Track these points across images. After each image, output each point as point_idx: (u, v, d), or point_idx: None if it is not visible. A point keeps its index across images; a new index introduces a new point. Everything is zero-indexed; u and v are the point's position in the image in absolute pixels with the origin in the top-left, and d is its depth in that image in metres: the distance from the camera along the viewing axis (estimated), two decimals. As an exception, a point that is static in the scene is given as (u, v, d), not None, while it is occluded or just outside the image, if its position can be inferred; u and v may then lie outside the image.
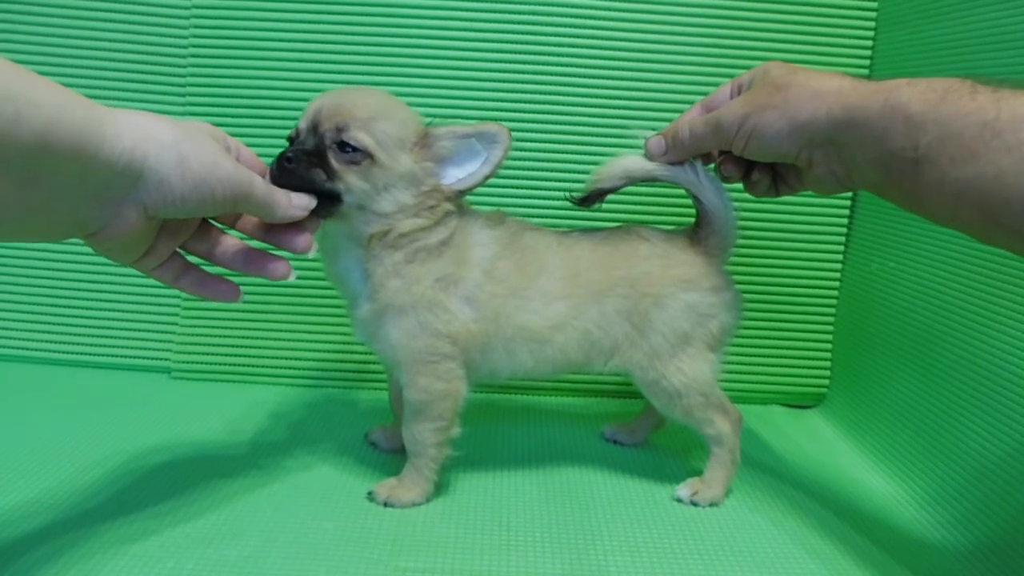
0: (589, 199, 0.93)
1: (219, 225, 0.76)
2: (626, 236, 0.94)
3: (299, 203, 0.75)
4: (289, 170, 0.77)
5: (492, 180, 0.86)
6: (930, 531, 0.91)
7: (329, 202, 0.79)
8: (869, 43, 1.24)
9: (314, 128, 0.81)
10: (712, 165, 0.90)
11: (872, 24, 1.23)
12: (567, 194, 0.94)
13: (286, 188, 0.75)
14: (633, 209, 1.20)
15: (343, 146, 0.80)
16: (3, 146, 0.51)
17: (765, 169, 0.86)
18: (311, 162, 0.78)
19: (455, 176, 0.85)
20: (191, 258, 0.75)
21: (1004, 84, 0.61)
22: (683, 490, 0.94)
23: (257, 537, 0.79)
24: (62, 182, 0.56)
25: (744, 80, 0.83)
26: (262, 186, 0.70)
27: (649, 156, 0.90)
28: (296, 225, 0.76)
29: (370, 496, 0.89)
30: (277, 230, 0.76)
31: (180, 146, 0.61)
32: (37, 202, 0.56)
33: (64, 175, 0.56)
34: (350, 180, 0.80)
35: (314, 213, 0.77)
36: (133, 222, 0.62)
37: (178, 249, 0.73)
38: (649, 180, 0.91)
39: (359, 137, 0.80)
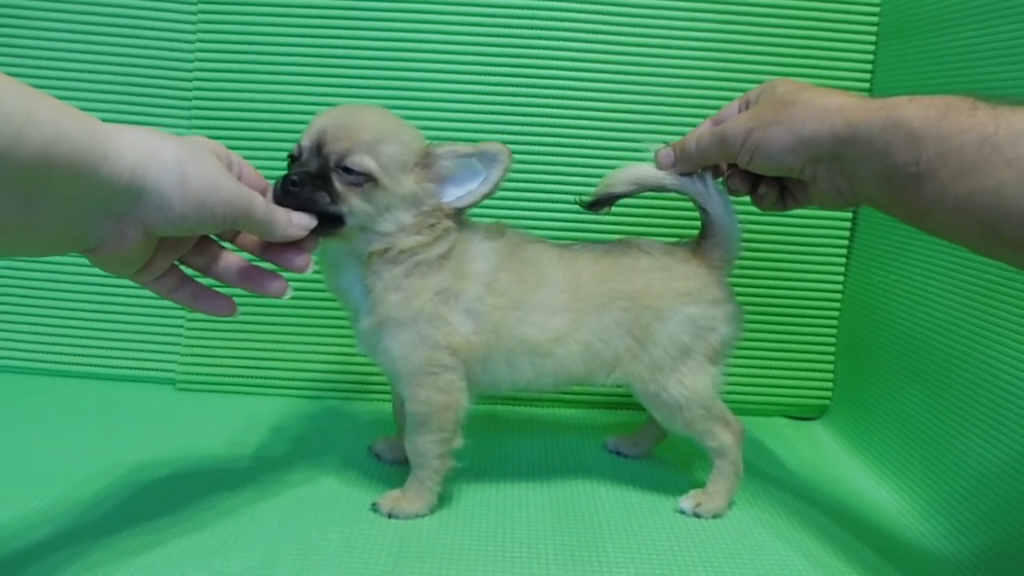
0: (598, 204, 0.94)
1: (218, 240, 0.77)
2: (627, 249, 0.95)
3: (299, 223, 0.75)
4: (294, 193, 0.77)
5: (499, 193, 0.87)
6: (932, 541, 0.91)
7: (331, 223, 0.80)
8: (870, 56, 1.24)
9: (318, 149, 0.81)
10: (721, 179, 0.91)
11: (873, 38, 1.24)
12: (576, 198, 0.95)
13: (289, 208, 0.75)
14: (639, 221, 1.21)
15: (348, 170, 0.80)
16: (4, 164, 0.51)
17: (772, 183, 0.86)
18: (316, 185, 0.79)
19: (454, 194, 0.86)
20: (189, 271, 0.75)
21: (1004, 101, 0.62)
22: (686, 502, 0.94)
23: (262, 548, 0.79)
24: (62, 199, 0.57)
25: (752, 96, 0.85)
26: (262, 206, 0.70)
27: (658, 167, 0.91)
28: (295, 244, 0.76)
29: (374, 507, 0.89)
30: (276, 248, 0.76)
31: (182, 165, 0.62)
32: (37, 218, 0.57)
33: (65, 192, 0.56)
34: (353, 203, 0.80)
35: (314, 232, 0.77)
36: (132, 238, 0.62)
37: (176, 262, 0.73)
38: (658, 189, 0.92)
39: (364, 161, 0.80)
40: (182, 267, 0.74)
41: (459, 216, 0.88)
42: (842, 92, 0.76)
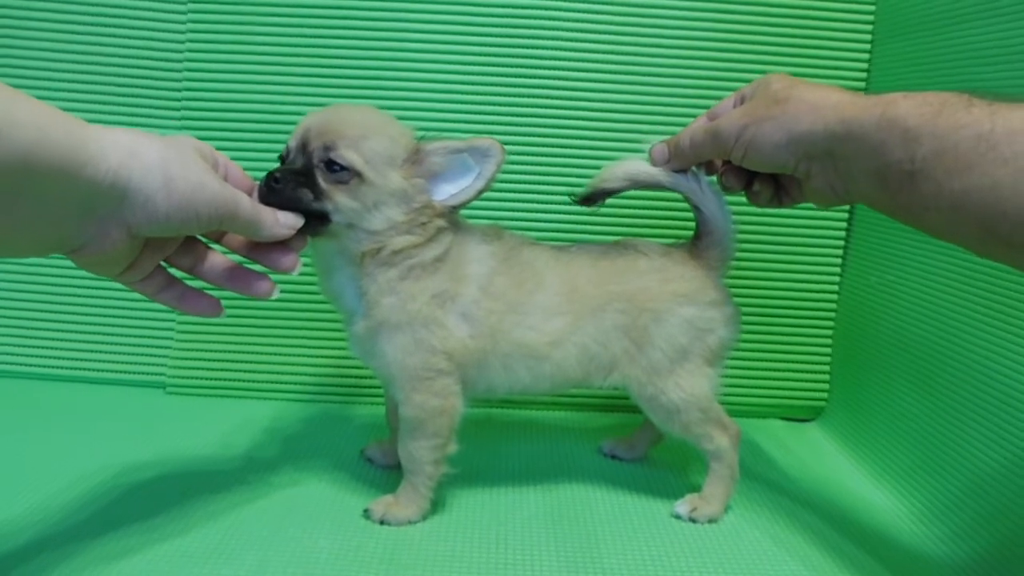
0: (592, 198, 0.93)
1: (204, 240, 0.76)
2: (624, 251, 0.94)
3: (285, 222, 0.75)
4: (276, 190, 0.76)
5: (492, 194, 0.86)
6: (929, 544, 0.91)
7: (318, 221, 0.79)
8: (866, 56, 1.24)
9: (303, 147, 0.80)
10: (715, 176, 0.90)
11: (868, 37, 1.24)
12: (569, 194, 0.94)
13: (274, 207, 0.74)
14: (637, 221, 1.20)
15: (331, 165, 0.79)
16: None
17: (766, 180, 0.86)
18: (299, 182, 0.78)
19: (448, 191, 0.85)
20: (175, 272, 0.74)
21: (1000, 98, 0.61)
22: (682, 506, 0.93)
23: (252, 555, 0.78)
24: (45, 201, 0.56)
25: (747, 91, 0.84)
26: (248, 205, 0.69)
27: (652, 163, 0.91)
28: (282, 244, 0.76)
29: (366, 513, 0.88)
30: (262, 248, 0.76)
31: (166, 165, 0.61)
32: (19, 220, 0.56)
33: (47, 194, 0.56)
34: (338, 199, 0.79)
35: (301, 231, 0.76)
36: (116, 240, 0.62)
37: (161, 263, 0.72)
38: (652, 185, 0.91)
39: (347, 155, 0.79)
40: (168, 268, 0.74)
41: (452, 216, 0.87)
42: (837, 88, 0.76)
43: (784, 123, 0.75)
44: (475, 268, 0.87)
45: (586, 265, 0.92)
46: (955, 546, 0.89)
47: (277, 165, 0.83)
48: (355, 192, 0.80)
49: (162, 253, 0.71)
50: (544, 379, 0.91)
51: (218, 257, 0.75)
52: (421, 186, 0.83)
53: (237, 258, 0.77)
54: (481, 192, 0.84)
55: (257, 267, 0.76)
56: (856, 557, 0.86)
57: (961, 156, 0.60)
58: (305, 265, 0.82)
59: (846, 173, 0.73)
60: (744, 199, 0.90)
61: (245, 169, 0.78)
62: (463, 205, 0.85)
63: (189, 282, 0.75)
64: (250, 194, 0.73)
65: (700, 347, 0.91)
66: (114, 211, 0.60)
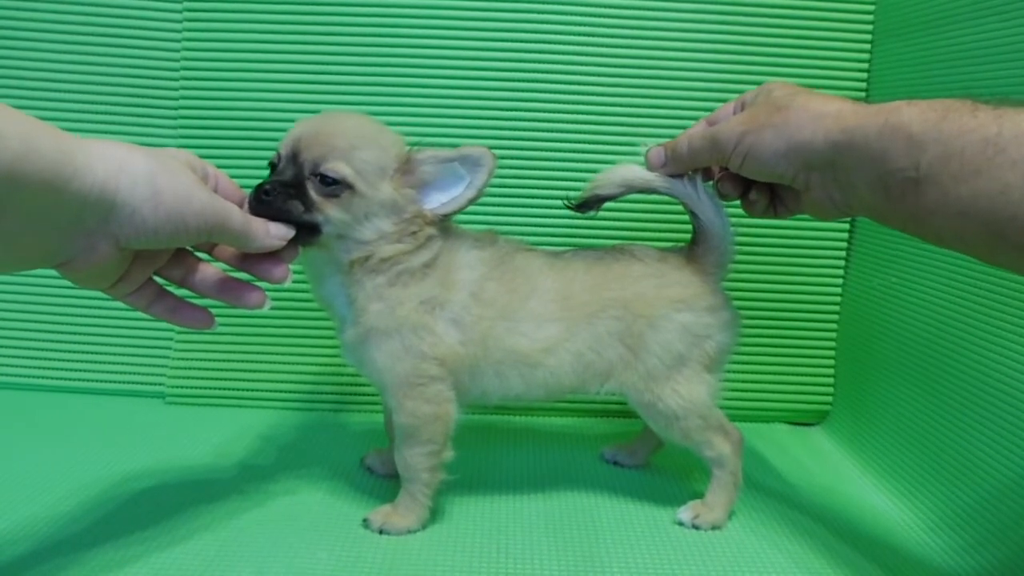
0: (586, 205, 0.92)
1: (196, 252, 0.76)
2: (619, 256, 0.93)
3: (277, 233, 0.74)
4: (266, 202, 0.76)
5: (488, 199, 0.85)
6: (938, 556, 0.89)
7: (308, 232, 0.78)
8: (866, 56, 1.23)
9: (293, 157, 0.80)
10: (712, 182, 0.89)
11: (869, 37, 1.22)
12: (564, 200, 0.93)
13: (264, 218, 0.74)
14: (634, 225, 1.19)
15: (323, 177, 0.78)
16: None
17: (763, 189, 0.85)
18: (289, 194, 0.77)
19: (438, 200, 0.84)
20: (167, 285, 0.74)
21: (1005, 103, 0.60)
22: (684, 513, 0.92)
23: (250, 566, 0.78)
24: (32, 214, 0.56)
25: (748, 98, 0.83)
26: (239, 217, 0.69)
27: (649, 167, 0.90)
28: (273, 255, 0.75)
29: (365, 523, 0.87)
30: (254, 259, 0.75)
31: (153, 178, 0.61)
32: (5, 234, 0.56)
33: (34, 207, 0.55)
34: (330, 212, 0.79)
35: (292, 242, 0.76)
36: (105, 253, 0.62)
37: (153, 276, 0.72)
38: (648, 191, 0.90)
39: (338, 168, 0.78)
40: (159, 280, 0.73)
41: (443, 223, 0.86)
42: (839, 98, 0.75)
43: (784, 131, 0.74)
44: (465, 274, 0.86)
45: (580, 271, 0.91)
46: (967, 556, 0.87)
47: (268, 172, 0.83)
48: (346, 204, 0.79)
49: (153, 265, 0.71)
50: (538, 386, 0.90)
51: (209, 269, 0.75)
52: (411, 196, 0.83)
53: (229, 269, 0.76)
54: (472, 201, 0.84)
55: (249, 278, 0.76)
56: (861, 566, 0.85)
57: (968, 161, 0.59)
58: (300, 273, 0.81)
59: (847, 184, 0.72)
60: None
61: (243, 179, 0.77)
62: (453, 214, 0.85)
63: (181, 294, 0.75)
64: (241, 205, 0.73)
65: (698, 353, 0.90)
66: (101, 224, 0.60)
